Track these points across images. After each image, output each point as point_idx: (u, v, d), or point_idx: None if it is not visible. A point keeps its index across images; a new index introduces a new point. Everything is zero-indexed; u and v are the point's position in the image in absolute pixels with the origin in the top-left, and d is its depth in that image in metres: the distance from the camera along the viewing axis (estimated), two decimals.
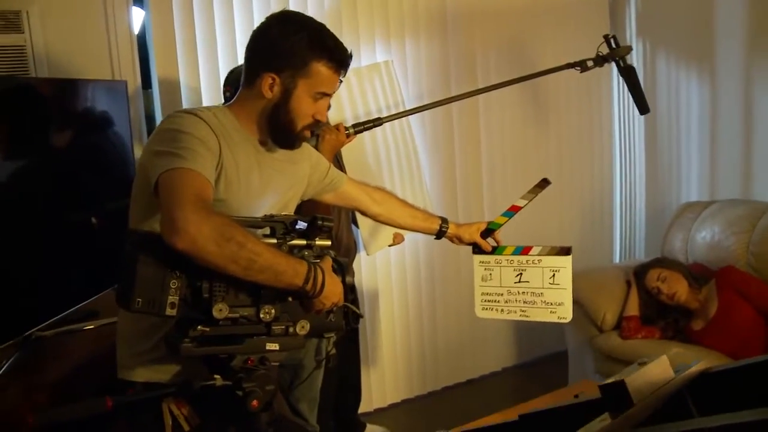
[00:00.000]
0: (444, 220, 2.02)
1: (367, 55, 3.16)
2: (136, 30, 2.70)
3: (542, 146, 3.83)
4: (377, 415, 3.39)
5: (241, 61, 2.79)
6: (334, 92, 1.52)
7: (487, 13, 3.51)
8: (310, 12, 2.95)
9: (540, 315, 1.99)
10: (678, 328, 2.88)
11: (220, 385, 1.29)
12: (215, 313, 1.26)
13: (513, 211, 2.05)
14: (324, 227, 1.41)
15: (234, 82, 2.31)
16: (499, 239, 2.02)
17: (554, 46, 3.65)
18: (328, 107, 1.60)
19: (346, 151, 2.63)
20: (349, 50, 1.50)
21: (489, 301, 2.04)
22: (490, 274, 2.05)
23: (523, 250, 2.01)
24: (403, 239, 2.87)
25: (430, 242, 3.45)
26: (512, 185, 3.71)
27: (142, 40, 2.75)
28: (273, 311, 1.33)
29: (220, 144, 1.39)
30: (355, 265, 2.92)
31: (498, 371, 3.83)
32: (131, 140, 2.45)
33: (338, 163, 2.63)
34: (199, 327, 1.27)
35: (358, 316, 1.51)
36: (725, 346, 2.68)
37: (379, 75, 2.89)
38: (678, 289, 2.84)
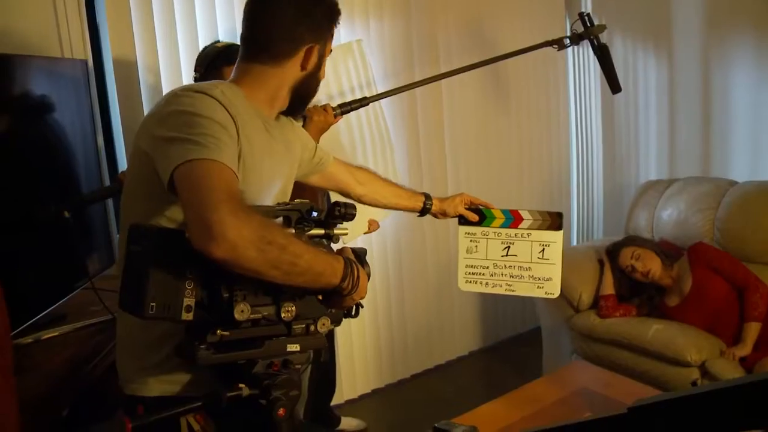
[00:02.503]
0: (427, 197, 1.94)
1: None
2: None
3: (502, 127, 3.81)
4: (349, 406, 3.29)
5: (202, 38, 2.63)
6: None
7: None
8: None
9: (527, 290, 1.92)
10: (653, 305, 2.91)
11: (246, 395, 1.16)
12: (237, 315, 1.12)
13: (513, 214, 1.98)
14: (347, 215, 1.29)
15: (203, 63, 2.14)
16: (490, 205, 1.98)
17: (513, 27, 3.63)
18: None
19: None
20: None
21: (473, 274, 1.97)
22: (476, 246, 1.98)
23: (513, 216, 1.93)
24: (378, 226, 2.77)
25: (397, 230, 3.37)
26: (474, 166, 3.67)
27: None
28: (293, 309, 1.21)
29: (237, 128, 1.22)
30: None
31: (465, 355, 3.81)
32: (93, 125, 2.23)
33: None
34: (218, 331, 1.14)
35: (359, 307, 1.41)
36: (701, 320, 2.73)
37: (352, 55, 2.78)
38: (652, 266, 2.86)
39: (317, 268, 1.13)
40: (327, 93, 2.76)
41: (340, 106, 2.16)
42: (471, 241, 1.99)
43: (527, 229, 1.92)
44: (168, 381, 1.29)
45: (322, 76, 1.42)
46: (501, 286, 1.95)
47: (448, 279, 3.56)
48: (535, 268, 1.94)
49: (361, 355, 3.37)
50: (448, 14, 3.47)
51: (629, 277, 2.93)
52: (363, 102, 2.18)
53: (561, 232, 1.91)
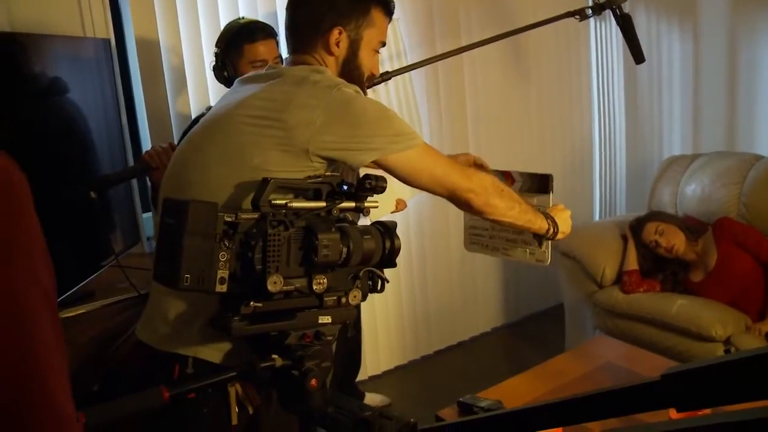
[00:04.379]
0: None
1: None
2: None
3: (524, 101, 3.78)
4: (372, 382, 3.32)
5: (224, 15, 2.63)
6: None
7: None
8: None
9: (520, 255, 1.83)
10: (677, 280, 2.89)
11: (279, 366, 1.18)
12: (270, 287, 1.13)
13: (505, 176, 1.93)
14: (377, 187, 1.29)
15: (224, 39, 2.13)
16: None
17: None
18: None
19: None
20: None
21: (476, 235, 1.93)
22: None
23: (505, 176, 1.89)
24: (405, 206, 2.78)
25: (420, 208, 3.37)
26: (496, 141, 3.64)
27: None
28: (325, 281, 1.21)
29: None
30: None
31: (488, 331, 3.81)
32: (117, 105, 2.24)
33: None
34: (251, 303, 1.15)
35: (384, 281, 1.42)
36: (725, 296, 2.71)
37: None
38: (676, 241, 2.84)
39: (531, 213, 1.51)
40: None
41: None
42: None
43: (518, 191, 1.86)
44: (211, 347, 1.30)
45: (365, 66, 1.42)
46: (498, 249, 1.89)
47: (471, 256, 3.55)
48: (527, 233, 1.86)
49: (385, 331, 3.39)
50: None
51: (653, 253, 2.91)
52: (385, 77, 2.16)
53: (549, 195, 1.82)
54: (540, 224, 1.55)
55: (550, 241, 1.71)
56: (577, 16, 2.60)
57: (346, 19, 1.37)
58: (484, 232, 1.91)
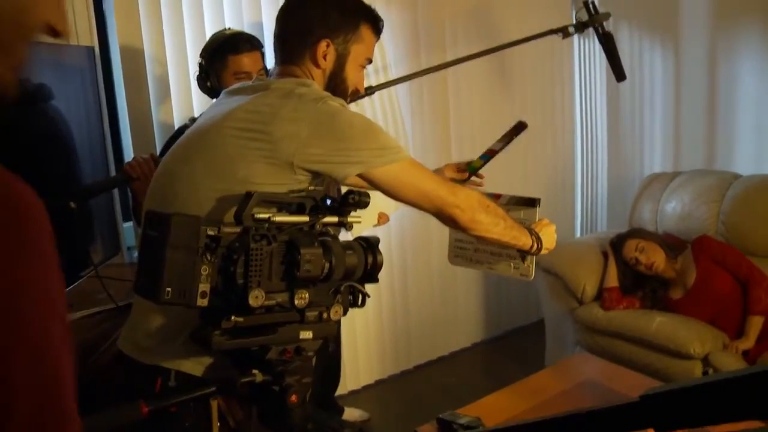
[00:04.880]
0: None
1: None
2: None
3: (508, 117, 3.74)
4: (352, 397, 3.30)
5: (210, 25, 2.62)
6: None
7: None
8: None
9: (504, 269, 1.84)
10: (656, 298, 2.92)
11: (259, 381, 1.17)
12: (251, 301, 1.13)
13: (489, 154, 1.97)
14: (360, 202, 1.29)
15: (208, 50, 2.13)
16: (482, 176, 2.07)
17: (519, 16, 3.60)
18: None
19: None
20: None
21: (461, 248, 1.92)
22: None
23: (494, 197, 1.90)
24: (388, 219, 2.78)
25: (402, 222, 3.37)
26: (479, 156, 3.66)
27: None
28: (307, 296, 1.21)
29: None
30: None
31: (468, 347, 3.81)
32: (99, 114, 2.22)
33: None
34: (233, 317, 1.14)
35: (365, 296, 1.41)
36: (704, 313, 2.74)
37: None
38: (656, 259, 2.87)
39: (516, 229, 1.52)
40: None
41: None
42: None
43: (505, 204, 1.87)
44: (193, 360, 1.29)
45: (351, 81, 1.43)
46: (483, 263, 1.89)
47: (452, 270, 3.55)
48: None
49: (365, 345, 3.38)
50: (456, 2, 3.46)
51: (633, 270, 2.94)
52: (368, 91, 2.17)
53: (536, 209, 1.82)
54: (524, 240, 1.57)
55: (534, 256, 1.73)
56: (560, 34, 2.64)
57: (335, 32, 1.38)
58: (468, 246, 1.90)
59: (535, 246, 1.60)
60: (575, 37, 3.71)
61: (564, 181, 4.14)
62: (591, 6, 2.68)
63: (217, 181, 1.25)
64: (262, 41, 2.16)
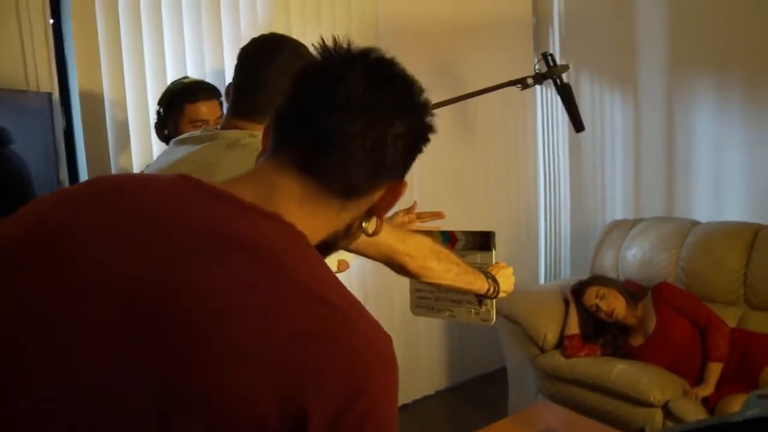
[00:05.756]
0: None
1: None
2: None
3: (471, 166, 3.85)
4: None
5: (171, 73, 2.64)
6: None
7: (417, 32, 3.49)
8: (242, 26, 2.82)
9: (465, 315, 1.80)
10: (617, 345, 2.92)
11: None
12: None
13: (449, 237, 1.93)
14: None
15: (165, 98, 2.14)
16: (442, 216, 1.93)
17: (481, 67, 3.68)
18: None
19: None
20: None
21: (422, 298, 1.89)
22: None
23: (450, 236, 1.87)
24: (347, 266, 2.76)
25: (363, 268, 3.36)
26: (442, 206, 3.64)
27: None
28: None
29: None
30: None
31: (431, 394, 3.76)
32: (56, 159, 2.20)
33: None
34: None
35: None
36: (664, 360, 2.75)
37: None
38: (616, 306, 2.88)
39: (470, 274, 1.46)
40: None
41: None
42: None
43: (461, 250, 1.85)
44: None
45: None
46: (445, 311, 1.87)
47: (415, 318, 3.54)
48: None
49: None
50: (418, 53, 3.50)
51: (594, 317, 2.95)
52: None
53: (492, 252, 1.81)
54: (480, 285, 1.53)
55: (494, 300, 1.71)
56: (519, 86, 2.70)
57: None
58: (429, 294, 1.87)
59: (492, 289, 1.55)
60: (538, 87, 3.80)
61: (528, 229, 4.18)
62: (550, 58, 2.75)
63: None
64: (220, 90, 2.18)
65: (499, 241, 4.09)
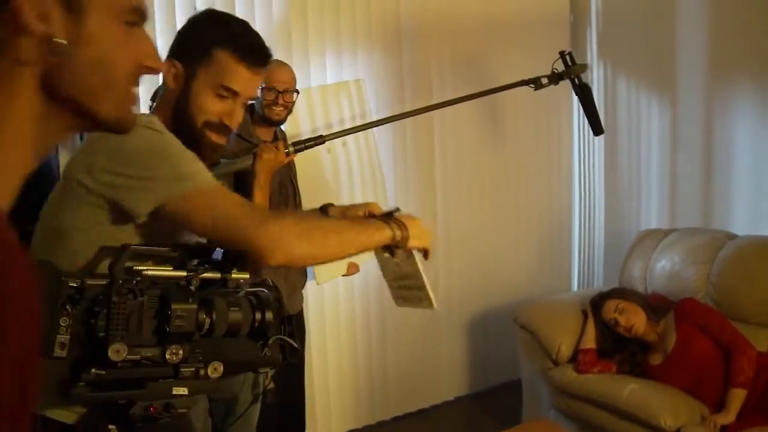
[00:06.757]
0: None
1: (317, 70, 3.04)
2: None
3: (499, 167, 3.75)
4: None
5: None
6: (247, 93, 1.35)
7: (443, 28, 3.42)
8: (258, 23, 2.81)
9: (411, 301, 1.60)
10: (635, 362, 2.77)
11: None
12: (111, 355, 1.10)
13: None
14: (238, 260, 1.26)
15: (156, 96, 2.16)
16: None
17: (512, 65, 3.55)
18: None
19: (301, 168, 2.52)
20: (267, 49, 1.37)
21: (402, 288, 1.73)
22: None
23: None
24: (357, 270, 2.75)
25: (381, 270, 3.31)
26: (468, 207, 3.61)
27: None
28: (181, 352, 1.18)
29: None
30: None
31: (451, 400, 3.69)
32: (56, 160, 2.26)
33: (291, 184, 2.50)
34: (93, 369, 1.12)
35: (294, 350, 1.37)
36: (682, 382, 2.59)
37: (348, 93, 2.82)
38: (636, 321, 2.74)
39: (359, 231, 1.31)
40: (312, 127, 2.78)
41: (294, 144, 2.12)
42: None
43: None
44: (66, 408, 1.25)
45: (198, 111, 1.32)
46: (401, 299, 1.73)
47: (434, 319, 3.49)
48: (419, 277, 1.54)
49: (338, 392, 3.30)
50: (443, 50, 3.45)
51: (612, 331, 2.81)
52: (318, 140, 2.14)
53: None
54: (380, 235, 1.32)
55: (427, 287, 1.49)
56: (532, 85, 2.60)
57: (182, 54, 1.33)
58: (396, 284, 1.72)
59: (399, 233, 1.33)
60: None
61: (561, 234, 4.05)
62: (568, 57, 2.63)
63: (84, 233, 1.24)
64: None
65: (528, 245, 4.05)
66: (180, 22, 2.68)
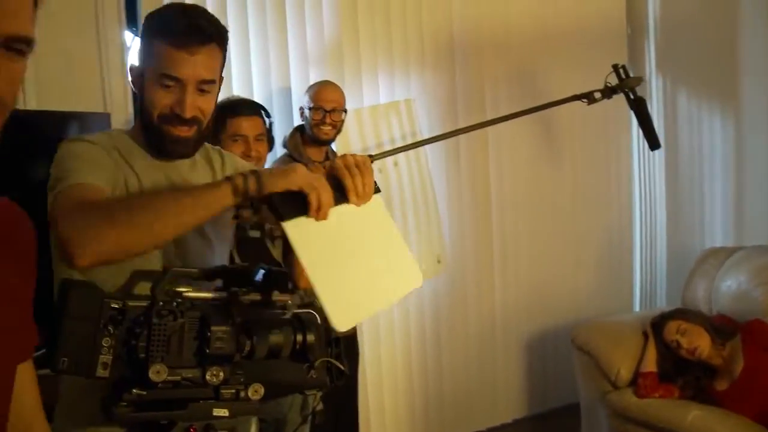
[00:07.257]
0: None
1: (370, 88, 3.05)
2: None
3: (557, 183, 3.67)
4: None
5: (236, 90, 2.72)
6: (191, 77, 1.26)
7: (496, 44, 3.39)
8: (309, 44, 2.85)
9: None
10: (699, 387, 2.65)
11: None
12: (152, 376, 1.12)
13: None
14: (279, 282, 1.26)
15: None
16: None
17: (569, 80, 3.46)
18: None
19: None
20: (201, 25, 1.28)
21: None
22: None
23: None
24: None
25: (435, 283, 3.29)
26: (524, 224, 3.55)
27: None
28: (222, 374, 1.19)
29: (117, 164, 1.29)
30: None
31: (509, 423, 3.60)
32: None
33: None
34: (134, 390, 1.14)
35: (341, 372, 1.36)
36: (751, 409, 2.45)
37: (397, 113, 2.83)
38: (699, 343, 2.62)
39: (193, 199, 1.14)
40: (363, 147, 2.80)
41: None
42: None
43: None
44: (104, 429, 1.27)
45: (150, 107, 1.30)
46: None
47: (491, 337, 3.44)
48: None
49: (393, 411, 3.26)
50: (496, 66, 3.42)
51: (675, 354, 2.69)
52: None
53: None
54: (219, 195, 1.14)
55: (406, 251, 1.33)
56: (585, 100, 2.54)
57: (141, 49, 1.34)
58: None
59: (249, 183, 1.14)
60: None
61: (621, 252, 3.92)
62: (622, 70, 2.57)
63: None
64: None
65: (588, 261, 3.93)
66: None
